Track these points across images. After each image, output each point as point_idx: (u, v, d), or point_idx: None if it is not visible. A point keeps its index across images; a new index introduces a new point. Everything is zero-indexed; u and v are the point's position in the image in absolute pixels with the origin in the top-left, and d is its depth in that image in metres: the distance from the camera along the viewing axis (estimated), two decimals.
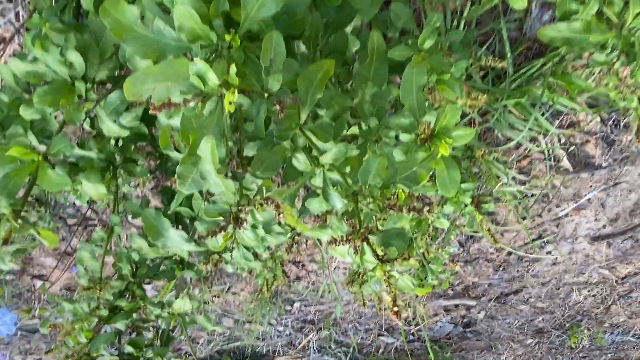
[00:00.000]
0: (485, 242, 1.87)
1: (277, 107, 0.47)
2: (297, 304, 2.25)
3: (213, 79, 0.44)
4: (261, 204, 0.42)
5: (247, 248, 0.53)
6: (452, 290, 2.23)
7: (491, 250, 1.96)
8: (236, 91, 0.44)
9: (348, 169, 0.52)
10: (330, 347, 2.50)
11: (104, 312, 0.80)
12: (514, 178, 1.49)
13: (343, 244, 0.40)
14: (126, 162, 0.87)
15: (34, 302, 2.07)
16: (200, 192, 0.58)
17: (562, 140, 1.47)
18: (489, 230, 0.97)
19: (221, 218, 0.44)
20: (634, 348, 2.87)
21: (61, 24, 0.77)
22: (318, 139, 0.53)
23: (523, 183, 1.52)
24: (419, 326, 2.39)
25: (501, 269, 2.09)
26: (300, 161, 0.50)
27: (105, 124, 0.61)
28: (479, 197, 0.97)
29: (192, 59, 0.47)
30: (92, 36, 0.66)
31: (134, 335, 0.97)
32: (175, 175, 0.47)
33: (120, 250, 0.86)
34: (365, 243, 0.42)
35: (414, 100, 0.54)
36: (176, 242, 0.66)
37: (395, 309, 0.38)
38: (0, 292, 0.63)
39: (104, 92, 0.62)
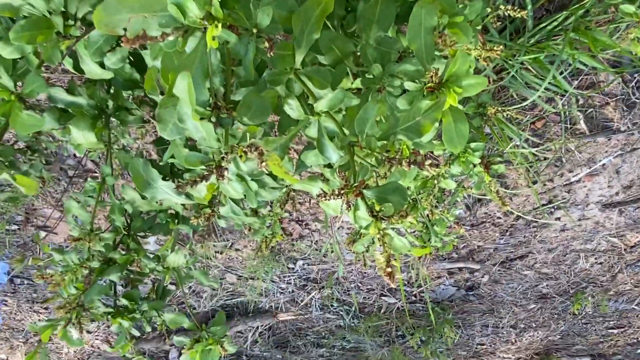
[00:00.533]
0: (492, 206, 1.83)
1: (267, 45, 0.42)
2: (300, 262, 2.25)
3: (194, 10, 0.39)
4: (245, 152, 0.38)
5: (235, 202, 0.49)
6: (457, 253, 2.21)
7: (498, 215, 1.92)
8: (220, 25, 0.39)
9: (341, 117, 0.47)
10: (332, 305, 2.52)
11: (95, 264, 0.78)
12: (527, 140, 1.43)
13: (334, 199, 0.36)
14: (119, 109, 0.83)
15: (40, 253, 2.09)
16: (187, 140, 0.54)
17: (580, 102, 1.40)
18: (497, 192, 0.93)
19: (204, 167, 0.40)
20: (637, 316, 2.86)
21: None
22: (314, 85, 0.48)
23: (536, 145, 1.46)
24: (422, 288, 2.39)
25: (508, 233, 2.06)
26: (293, 108, 0.46)
27: (86, 65, 0.57)
28: (488, 158, 0.92)
29: None
30: None
31: (129, 288, 0.95)
32: (156, 119, 0.43)
33: (113, 202, 0.83)
34: (359, 198, 0.38)
35: (422, 43, 0.49)
36: (166, 194, 0.63)
37: (389, 269, 0.35)
38: None
39: (87, 30, 0.57)
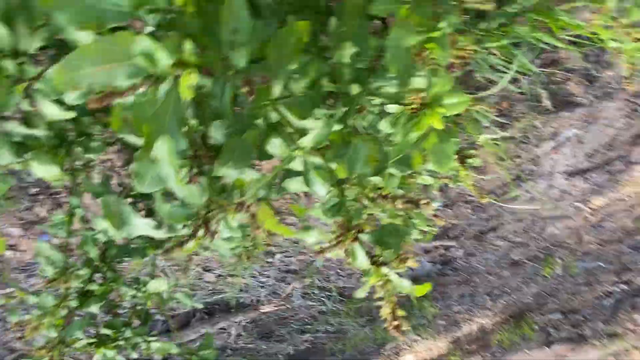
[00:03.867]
0: (462, 187, 1.86)
1: (245, 87, 0.39)
2: (278, 256, 2.24)
3: (164, 59, 0.36)
4: (235, 210, 0.36)
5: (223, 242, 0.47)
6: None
7: (469, 192, 1.96)
8: (193, 73, 0.37)
9: (328, 153, 0.45)
10: (313, 293, 2.53)
11: (73, 303, 0.74)
12: (494, 121, 1.44)
13: (331, 251, 0.35)
14: (80, 136, 0.79)
15: (6, 271, 2.00)
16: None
17: (544, 80, 1.42)
18: (473, 185, 0.93)
19: (188, 222, 0.38)
20: (602, 272, 3.00)
21: None
22: (294, 115, 0.46)
23: (502, 125, 1.48)
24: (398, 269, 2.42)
25: (480, 209, 2.10)
26: (276, 145, 0.44)
27: (44, 107, 0.53)
28: (462, 152, 0.92)
29: (138, 31, 0.39)
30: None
31: (110, 316, 0.92)
32: (132, 173, 0.40)
33: (85, 234, 0.79)
34: (357, 244, 0.37)
35: (402, 65, 0.47)
36: (143, 230, 0.60)
37: (395, 322, 0.34)
38: None
39: (42, 68, 0.53)
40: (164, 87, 0.38)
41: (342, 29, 0.54)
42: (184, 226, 0.45)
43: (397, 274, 0.42)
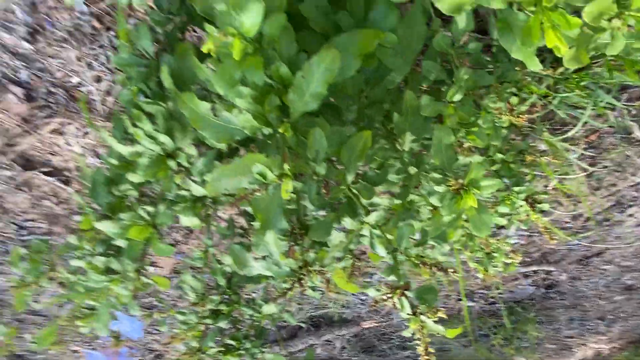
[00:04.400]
0: (559, 213, 1.87)
1: (324, 186, 0.58)
2: (376, 276, 2.39)
3: (271, 176, 0.55)
4: (317, 273, 0.54)
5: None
6: (529, 257, 2.25)
7: (566, 219, 1.95)
8: (290, 182, 0.56)
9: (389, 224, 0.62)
10: None
11: (208, 320, 0.98)
12: (582, 154, 1.48)
13: (385, 301, 0.51)
14: (214, 202, 1.03)
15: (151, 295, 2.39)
16: None
17: (633, 112, 1.42)
18: (545, 228, 1.02)
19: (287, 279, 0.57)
20: None
21: (148, 89, 0.92)
22: (362, 197, 0.63)
23: (593, 157, 1.50)
24: (499, 290, 2.44)
25: (580, 234, 2.07)
26: (348, 223, 0.61)
27: (192, 186, 0.76)
28: (533, 197, 1.02)
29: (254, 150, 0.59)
30: (175, 107, 0.80)
31: (233, 330, 1.16)
32: (253, 243, 0.60)
33: (215, 266, 1.03)
34: (403, 298, 0.53)
35: (444, 157, 0.63)
36: (259, 270, 0.81)
37: (427, 357, 0.49)
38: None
39: (193, 158, 0.76)
40: (271, 190, 0.58)
41: (402, 123, 0.70)
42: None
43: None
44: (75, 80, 1.43)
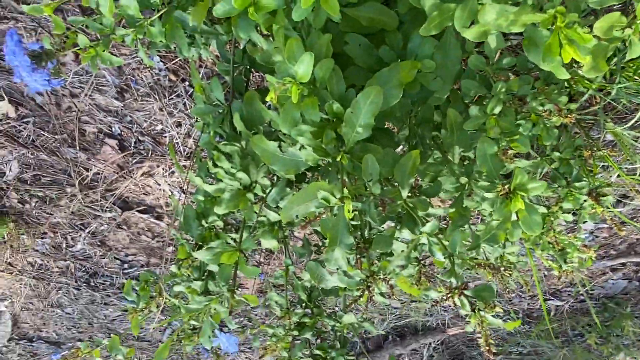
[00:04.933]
0: (638, 201, 1.80)
1: (381, 204, 0.66)
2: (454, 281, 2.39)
3: (333, 200, 0.64)
4: (382, 280, 0.62)
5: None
6: (615, 250, 2.16)
7: None
8: (350, 203, 0.64)
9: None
10: (498, 315, 2.60)
11: (295, 332, 1.08)
12: None
13: (445, 301, 0.58)
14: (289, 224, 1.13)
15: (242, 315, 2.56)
16: None
17: None
18: (612, 219, 1.03)
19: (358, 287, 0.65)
20: None
21: (223, 132, 1.05)
22: (419, 209, 0.71)
23: None
24: (587, 287, 2.35)
25: None
26: (406, 235, 0.68)
27: (269, 213, 0.87)
28: (597, 190, 1.03)
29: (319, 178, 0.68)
30: (248, 146, 0.92)
31: (319, 341, 1.25)
32: (324, 259, 0.69)
33: (297, 283, 1.13)
34: (462, 297, 0.59)
35: (490, 166, 0.68)
36: (334, 282, 0.89)
37: (487, 347, 0.55)
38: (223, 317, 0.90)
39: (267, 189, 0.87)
40: (335, 211, 0.67)
41: (449, 138, 0.77)
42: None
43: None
44: (159, 127, 1.62)
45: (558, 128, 0.80)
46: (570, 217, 1.09)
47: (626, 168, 1.49)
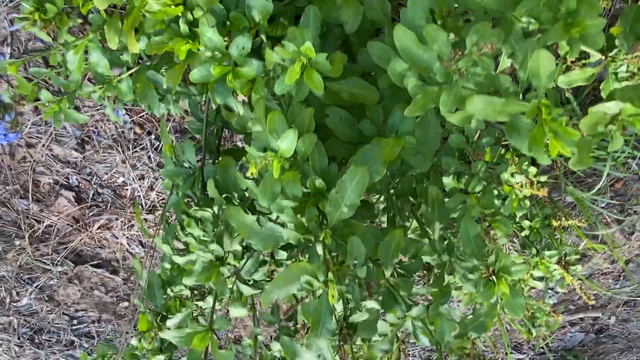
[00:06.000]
0: (597, 259, 1.86)
1: (366, 287, 0.63)
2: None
3: (317, 283, 0.62)
4: None
5: None
6: (574, 305, 2.21)
7: (605, 265, 1.93)
8: (335, 288, 0.62)
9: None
10: None
11: None
12: (609, 203, 1.50)
13: None
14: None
15: None
16: None
17: None
18: (580, 288, 1.04)
19: None
20: None
21: (194, 195, 1.01)
22: (401, 290, 0.69)
23: (621, 205, 1.51)
24: (547, 340, 2.38)
25: (622, 278, 2.04)
26: (389, 319, 0.66)
27: (243, 288, 0.83)
28: (565, 258, 1.05)
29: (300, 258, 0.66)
30: (220, 212, 0.89)
31: None
32: (304, 344, 0.65)
33: (265, 353, 1.08)
34: None
35: (473, 247, 0.68)
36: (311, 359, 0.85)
37: None
38: None
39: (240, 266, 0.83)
40: (318, 294, 0.64)
41: (430, 214, 0.76)
42: None
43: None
44: (120, 180, 1.55)
45: (542, 189, 0.81)
46: (540, 285, 1.10)
47: (585, 229, 1.54)
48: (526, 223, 1.06)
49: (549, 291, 2.07)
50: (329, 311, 0.64)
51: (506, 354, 2.53)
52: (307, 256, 0.74)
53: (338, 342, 0.64)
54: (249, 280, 0.85)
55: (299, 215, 0.69)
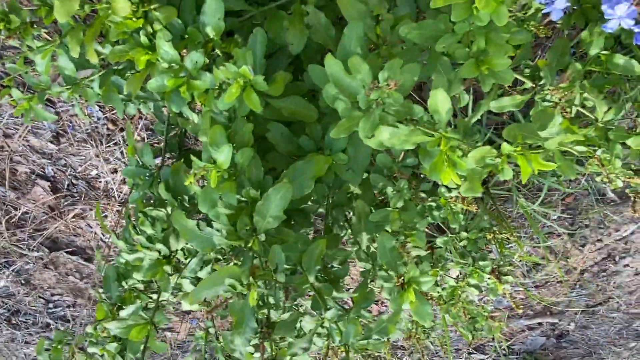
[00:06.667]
0: (551, 268, 1.93)
1: (286, 291, 0.70)
2: None
3: (240, 287, 0.68)
4: None
5: None
6: (532, 310, 2.29)
7: (560, 273, 2.01)
8: (256, 291, 0.68)
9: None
10: None
11: None
12: (560, 217, 1.57)
13: None
14: None
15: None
16: None
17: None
18: (511, 295, 1.12)
19: None
20: None
21: (152, 194, 1.07)
22: (323, 294, 0.76)
23: (572, 218, 1.59)
24: (510, 342, 2.47)
25: (577, 286, 2.12)
26: (307, 321, 0.73)
27: (185, 285, 0.89)
28: (499, 269, 1.12)
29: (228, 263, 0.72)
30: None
31: None
32: (230, 339, 0.72)
33: (216, 344, 1.15)
34: None
35: (389, 258, 0.75)
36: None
37: None
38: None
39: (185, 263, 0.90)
40: (242, 296, 0.71)
41: (358, 226, 0.83)
42: None
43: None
44: (94, 172, 1.61)
45: (472, 204, 0.88)
46: (476, 292, 1.18)
47: (537, 239, 1.61)
48: (463, 234, 1.13)
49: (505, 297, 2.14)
50: (252, 311, 0.71)
51: (470, 353, 2.62)
52: (241, 259, 0.81)
53: (259, 339, 0.70)
54: (195, 278, 0.92)
55: (233, 223, 0.75)
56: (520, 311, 1.11)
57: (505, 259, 1.17)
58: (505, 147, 0.57)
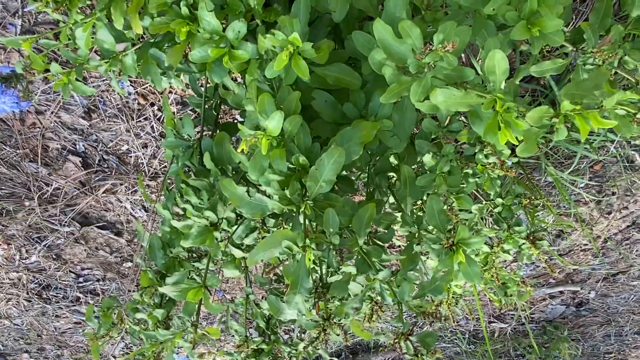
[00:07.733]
0: (576, 236, 1.94)
1: (339, 253, 0.72)
2: None
3: (296, 249, 0.71)
4: (337, 325, 0.68)
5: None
6: (554, 278, 2.32)
7: (584, 242, 2.02)
8: (312, 252, 0.71)
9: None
10: (446, 336, 2.72)
11: (253, 358, 1.13)
12: (588, 184, 1.57)
13: (394, 346, 0.65)
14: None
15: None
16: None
17: (632, 143, 1.52)
18: (546, 262, 1.13)
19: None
20: None
21: (192, 165, 1.10)
22: (372, 256, 0.78)
23: (600, 185, 1.59)
24: (532, 309, 2.50)
25: (601, 254, 2.13)
26: (359, 281, 0.75)
27: (234, 251, 0.92)
28: (533, 234, 1.14)
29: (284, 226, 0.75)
30: (215, 182, 0.97)
31: None
32: (285, 300, 0.75)
33: (256, 310, 1.18)
34: (408, 342, 0.66)
35: (437, 221, 0.77)
36: (292, 316, 0.95)
37: None
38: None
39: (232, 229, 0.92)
40: (298, 258, 0.73)
41: (403, 191, 0.85)
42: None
43: None
44: (124, 147, 1.64)
45: (511, 170, 0.89)
46: (510, 257, 1.20)
47: (564, 207, 1.62)
48: (499, 200, 1.14)
49: (530, 264, 2.17)
50: (307, 272, 0.73)
51: (491, 322, 2.66)
52: (290, 224, 0.83)
53: (314, 299, 0.73)
54: (241, 244, 0.94)
55: (284, 188, 0.77)
56: (557, 275, 1.12)
57: (537, 226, 1.19)
58: (565, 106, 0.58)
